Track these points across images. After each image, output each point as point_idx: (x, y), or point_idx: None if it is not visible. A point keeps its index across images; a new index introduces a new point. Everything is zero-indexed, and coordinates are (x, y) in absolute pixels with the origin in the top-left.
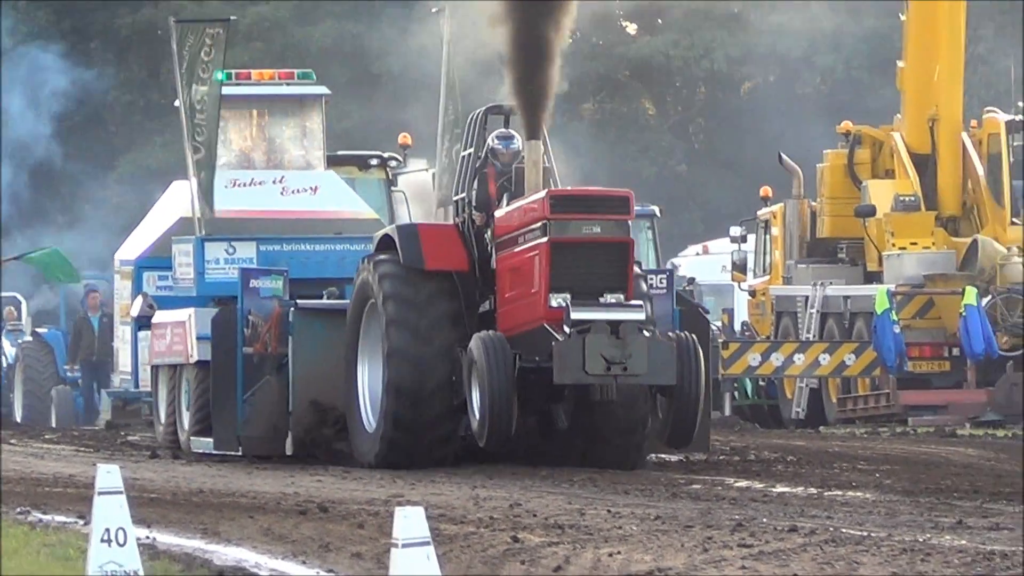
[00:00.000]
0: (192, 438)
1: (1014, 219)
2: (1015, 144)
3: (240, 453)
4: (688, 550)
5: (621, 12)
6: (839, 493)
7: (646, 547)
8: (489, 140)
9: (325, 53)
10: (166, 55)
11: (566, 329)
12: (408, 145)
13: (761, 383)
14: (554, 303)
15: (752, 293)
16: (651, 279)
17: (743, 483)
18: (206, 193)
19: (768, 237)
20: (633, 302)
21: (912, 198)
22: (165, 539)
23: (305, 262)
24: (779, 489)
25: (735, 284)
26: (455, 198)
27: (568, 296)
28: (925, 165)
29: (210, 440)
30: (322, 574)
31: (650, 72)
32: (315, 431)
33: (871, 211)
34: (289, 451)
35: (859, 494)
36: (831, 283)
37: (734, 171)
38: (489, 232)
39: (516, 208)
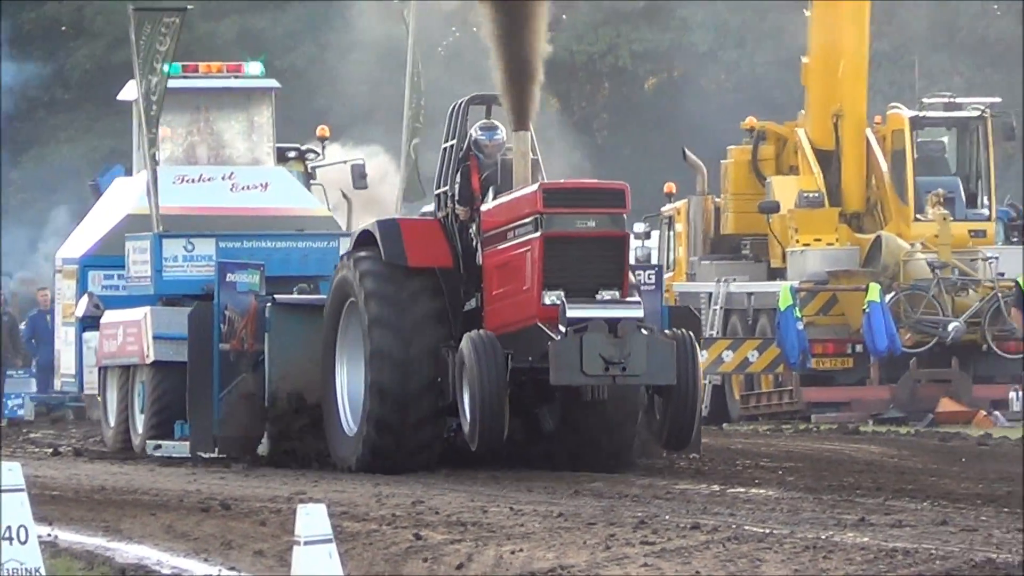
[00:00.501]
0: (148, 441)
1: (917, 215)
2: (919, 140)
3: (216, 454)
4: (591, 547)
5: None
6: (742, 490)
7: (548, 544)
8: (472, 131)
9: (230, 47)
10: (70, 51)
11: (562, 328)
12: (326, 137)
13: None
14: (548, 301)
15: None
16: (639, 275)
17: (646, 480)
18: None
19: (672, 233)
20: (630, 299)
21: (816, 194)
22: (67, 537)
23: (267, 260)
24: (682, 486)
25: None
26: (437, 192)
27: (562, 293)
28: (829, 161)
29: (166, 442)
30: (224, 572)
31: (554, 68)
32: (292, 431)
33: (775, 207)
34: (264, 452)
35: (762, 491)
36: (735, 279)
37: (638, 167)
38: (474, 227)
39: (505, 202)
